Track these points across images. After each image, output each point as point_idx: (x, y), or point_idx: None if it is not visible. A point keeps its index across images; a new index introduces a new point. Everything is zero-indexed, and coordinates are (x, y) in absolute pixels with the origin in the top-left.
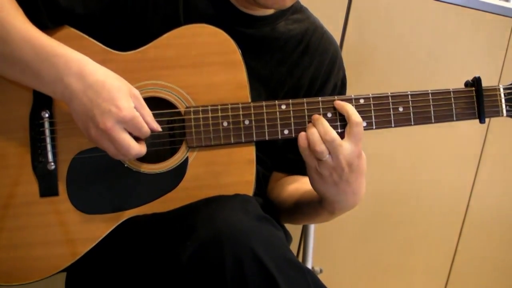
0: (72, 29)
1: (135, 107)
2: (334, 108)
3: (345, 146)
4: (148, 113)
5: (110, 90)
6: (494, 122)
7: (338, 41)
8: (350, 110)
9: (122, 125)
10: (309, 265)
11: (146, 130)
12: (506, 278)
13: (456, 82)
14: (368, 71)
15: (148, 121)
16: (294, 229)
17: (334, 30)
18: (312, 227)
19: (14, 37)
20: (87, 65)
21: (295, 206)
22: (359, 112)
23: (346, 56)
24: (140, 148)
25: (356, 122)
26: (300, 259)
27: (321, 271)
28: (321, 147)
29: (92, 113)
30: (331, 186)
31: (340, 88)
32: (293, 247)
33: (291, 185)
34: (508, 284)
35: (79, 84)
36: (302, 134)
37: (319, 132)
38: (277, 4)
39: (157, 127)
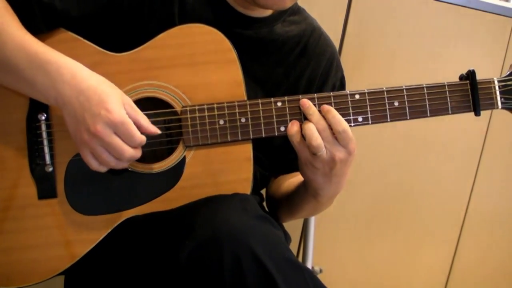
0: (67, 32)
1: (128, 114)
2: (330, 105)
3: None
4: (143, 117)
5: (101, 95)
6: (494, 121)
7: (338, 41)
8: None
9: (112, 128)
10: (309, 265)
11: (137, 138)
12: (506, 278)
13: None
14: (368, 71)
15: (144, 125)
16: (294, 229)
17: (334, 30)
18: (312, 227)
19: (8, 44)
20: (79, 71)
21: (286, 198)
22: (354, 107)
23: (346, 56)
24: (134, 151)
25: (338, 131)
26: (300, 259)
27: (321, 271)
28: (317, 141)
29: (82, 117)
30: (319, 176)
31: (339, 88)
32: (293, 247)
33: (285, 180)
34: (508, 284)
35: (72, 90)
36: (293, 128)
37: (331, 124)
38: (277, 4)
39: (155, 130)
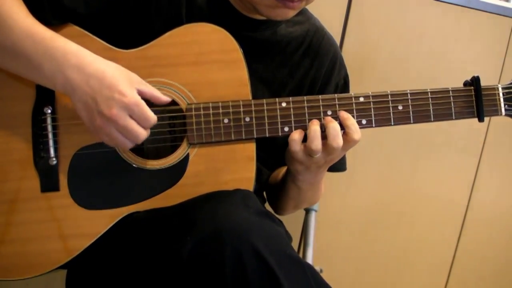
0: (75, 27)
1: (140, 91)
2: (334, 106)
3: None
4: (151, 90)
5: (112, 78)
6: (494, 122)
7: (338, 41)
8: (353, 126)
9: (126, 111)
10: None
11: (151, 118)
12: (506, 279)
13: (456, 82)
14: (368, 71)
15: (159, 96)
16: (294, 229)
17: (334, 30)
18: (312, 227)
19: (15, 30)
20: (86, 56)
21: (276, 188)
22: (358, 110)
23: (346, 56)
24: (146, 133)
25: (354, 140)
26: None
27: (321, 271)
28: (318, 146)
29: (95, 101)
30: (306, 171)
31: (342, 87)
32: (293, 247)
33: (276, 172)
34: (508, 285)
35: (79, 75)
36: (295, 135)
37: (329, 135)
38: (280, 16)
39: (164, 99)
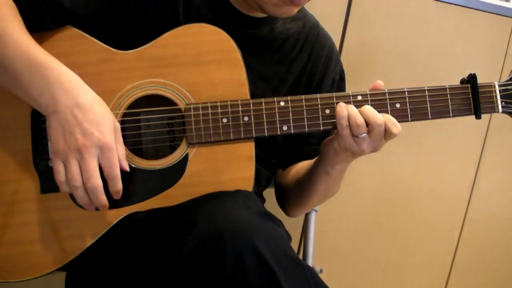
0: (74, 29)
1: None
2: (332, 105)
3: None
4: (121, 148)
5: (97, 115)
6: (494, 122)
7: (338, 41)
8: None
9: (98, 150)
10: (309, 265)
11: (116, 170)
12: (506, 279)
13: (456, 82)
14: (368, 71)
15: (119, 156)
16: (294, 230)
17: (334, 30)
18: (312, 227)
19: (10, 46)
20: (78, 85)
21: (298, 183)
22: (357, 108)
23: (346, 56)
24: (99, 186)
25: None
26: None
27: (321, 271)
28: (361, 120)
29: (72, 129)
30: (348, 160)
31: (339, 82)
32: (293, 247)
33: (291, 170)
34: (508, 285)
35: (67, 100)
36: (344, 111)
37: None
38: (286, 14)
39: (125, 166)
